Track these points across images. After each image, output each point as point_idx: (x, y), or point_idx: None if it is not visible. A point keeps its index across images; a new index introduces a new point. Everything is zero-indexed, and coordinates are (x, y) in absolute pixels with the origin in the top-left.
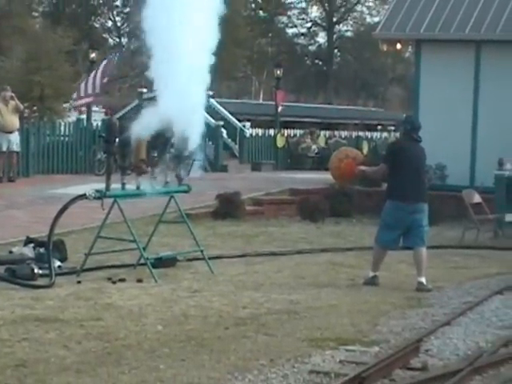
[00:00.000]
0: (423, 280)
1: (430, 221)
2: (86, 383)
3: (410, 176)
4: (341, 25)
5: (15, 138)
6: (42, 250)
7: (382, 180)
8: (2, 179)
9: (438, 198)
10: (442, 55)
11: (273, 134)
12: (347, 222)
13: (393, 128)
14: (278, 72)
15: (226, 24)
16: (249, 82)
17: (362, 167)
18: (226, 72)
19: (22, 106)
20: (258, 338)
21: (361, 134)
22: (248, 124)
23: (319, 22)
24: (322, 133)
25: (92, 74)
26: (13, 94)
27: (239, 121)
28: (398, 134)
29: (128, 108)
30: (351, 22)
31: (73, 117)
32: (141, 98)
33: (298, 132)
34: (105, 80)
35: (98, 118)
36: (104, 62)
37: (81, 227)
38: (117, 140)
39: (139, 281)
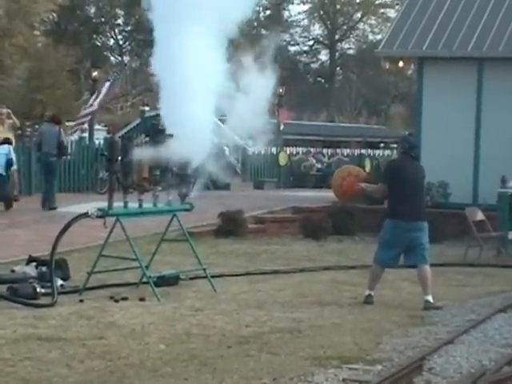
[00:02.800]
0: (430, 298)
1: (433, 239)
2: None
3: (408, 194)
4: (343, 42)
5: (12, 156)
6: (44, 268)
7: (383, 198)
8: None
9: (440, 215)
10: (445, 73)
11: (275, 152)
12: (350, 240)
13: (395, 145)
14: (281, 90)
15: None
16: None
17: (362, 184)
18: None
19: (18, 123)
20: (261, 357)
21: (363, 151)
22: (250, 142)
23: (321, 39)
24: (324, 151)
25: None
26: (9, 111)
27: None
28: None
29: (130, 126)
30: (353, 40)
31: (75, 135)
32: (143, 117)
33: (301, 150)
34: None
35: (100, 136)
36: (107, 84)
37: (83, 246)
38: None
39: (142, 299)
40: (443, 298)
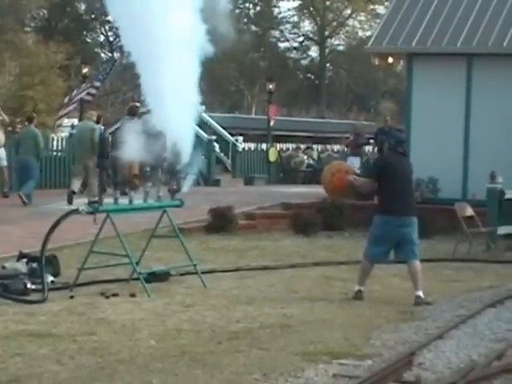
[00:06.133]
0: (420, 294)
1: (423, 234)
2: None
3: (397, 190)
4: (333, 39)
5: (2, 152)
6: (34, 265)
7: (371, 194)
8: None
9: (430, 211)
10: (434, 69)
11: (265, 148)
12: (340, 236)
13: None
14: (271, 86)
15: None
16: (241, 96)
17: (352, 177)
18: (218, 85)
19: (7, 119)
20: (252, 353)
21: None
22: (240, 138)
23: (311, 36)
24: (315, 147)
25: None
26: None
27: (232, 135)
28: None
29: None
30: (343, 36)
31: (65, 132)
32: None
33: (291, 146)
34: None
35: None
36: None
37: (74, 242)
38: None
39: (132, 295)
40: (433, 293)
